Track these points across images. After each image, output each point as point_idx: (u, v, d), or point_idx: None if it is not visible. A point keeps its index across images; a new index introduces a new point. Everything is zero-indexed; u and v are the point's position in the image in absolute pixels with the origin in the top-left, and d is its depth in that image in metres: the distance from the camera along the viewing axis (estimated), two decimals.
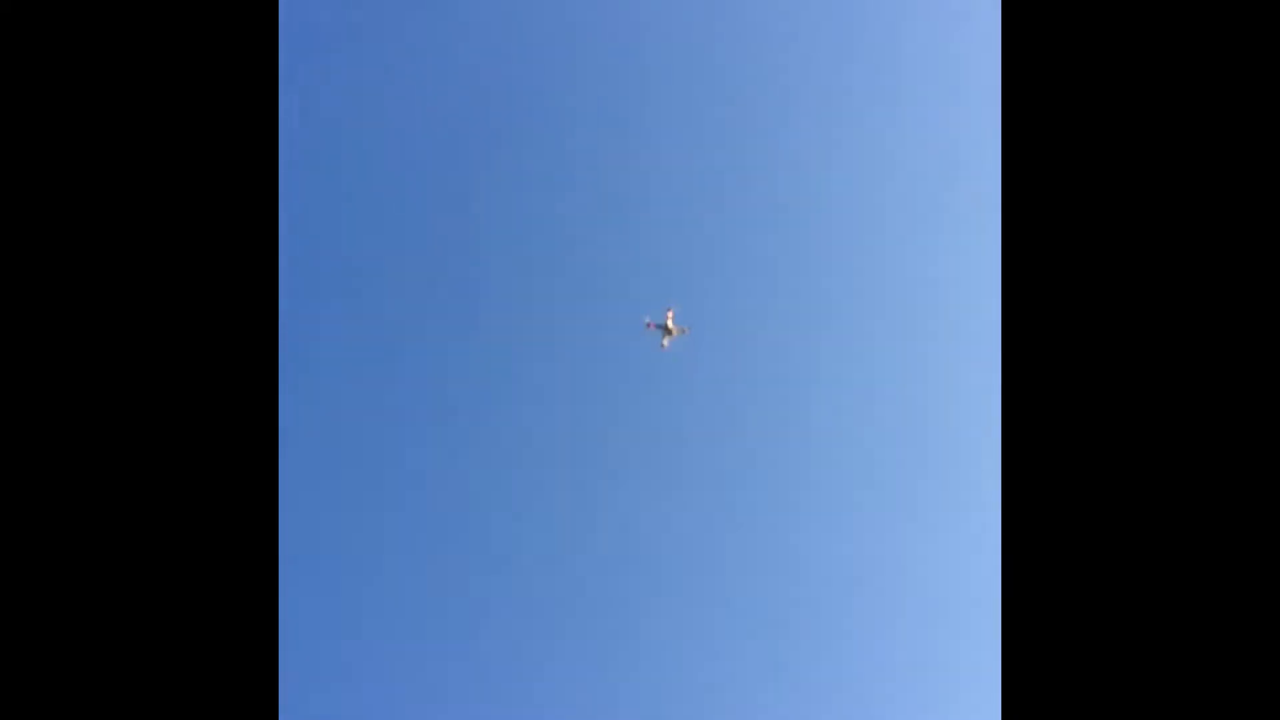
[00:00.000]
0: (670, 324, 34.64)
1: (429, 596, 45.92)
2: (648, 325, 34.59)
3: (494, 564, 46.45)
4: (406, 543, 46.88)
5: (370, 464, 47.77)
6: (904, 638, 45.01)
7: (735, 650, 45.61)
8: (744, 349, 47.91)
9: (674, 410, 47.96)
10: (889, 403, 47.52)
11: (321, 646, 45.30)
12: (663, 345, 34.97)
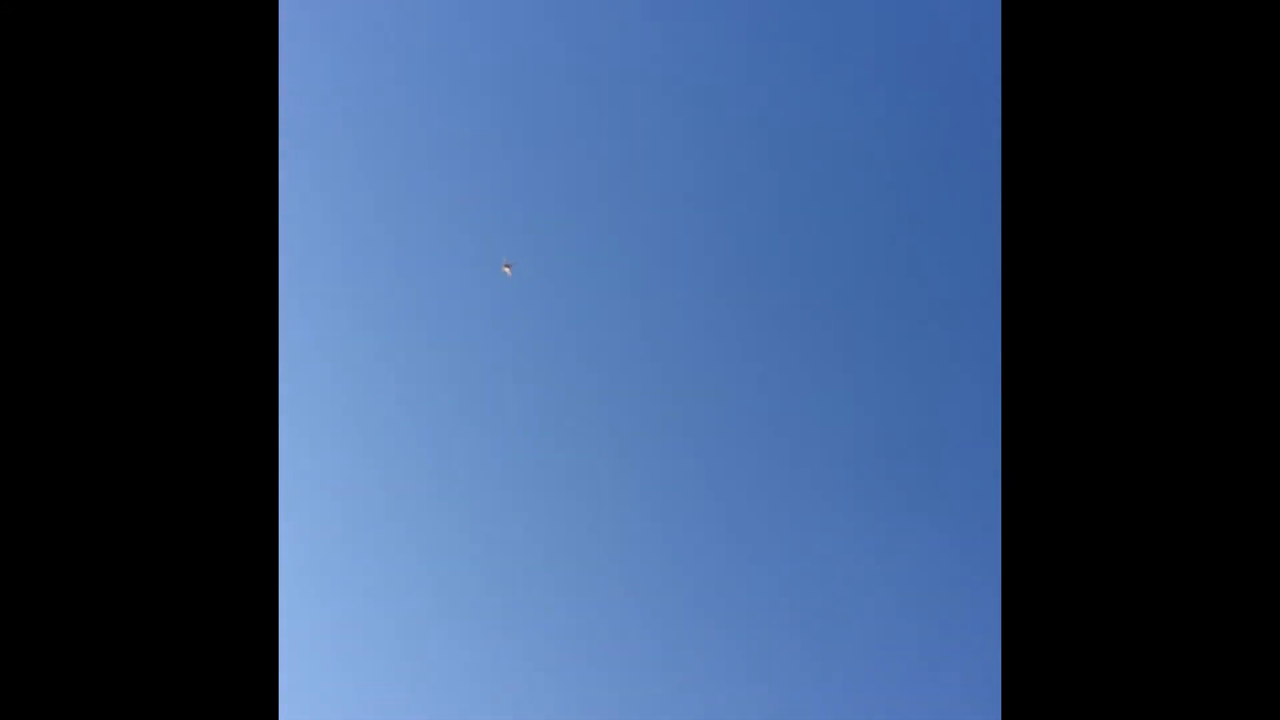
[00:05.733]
0: (507, 267, 45.63)
1: (428, 595, 46.13)
2: (506, 268, 45.23)
3: (492, 562, 46.67)
4: (406, 540, 47.09)
5: (369, 460, 47.94)
6: (903, 637, 45.13)
7: (733, 650, 45.73)
8: (739, 347, 48.04)
9: (671, 407, 48.08)
10: (887, 402, 47.62)
11: (321, 646, 45.41)
12: (507, 273, 45.69)
